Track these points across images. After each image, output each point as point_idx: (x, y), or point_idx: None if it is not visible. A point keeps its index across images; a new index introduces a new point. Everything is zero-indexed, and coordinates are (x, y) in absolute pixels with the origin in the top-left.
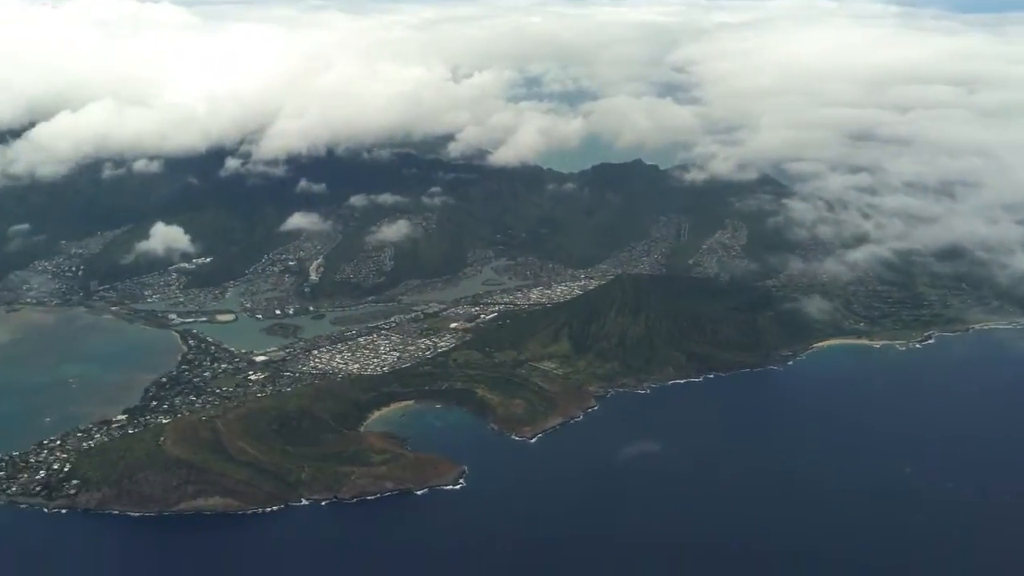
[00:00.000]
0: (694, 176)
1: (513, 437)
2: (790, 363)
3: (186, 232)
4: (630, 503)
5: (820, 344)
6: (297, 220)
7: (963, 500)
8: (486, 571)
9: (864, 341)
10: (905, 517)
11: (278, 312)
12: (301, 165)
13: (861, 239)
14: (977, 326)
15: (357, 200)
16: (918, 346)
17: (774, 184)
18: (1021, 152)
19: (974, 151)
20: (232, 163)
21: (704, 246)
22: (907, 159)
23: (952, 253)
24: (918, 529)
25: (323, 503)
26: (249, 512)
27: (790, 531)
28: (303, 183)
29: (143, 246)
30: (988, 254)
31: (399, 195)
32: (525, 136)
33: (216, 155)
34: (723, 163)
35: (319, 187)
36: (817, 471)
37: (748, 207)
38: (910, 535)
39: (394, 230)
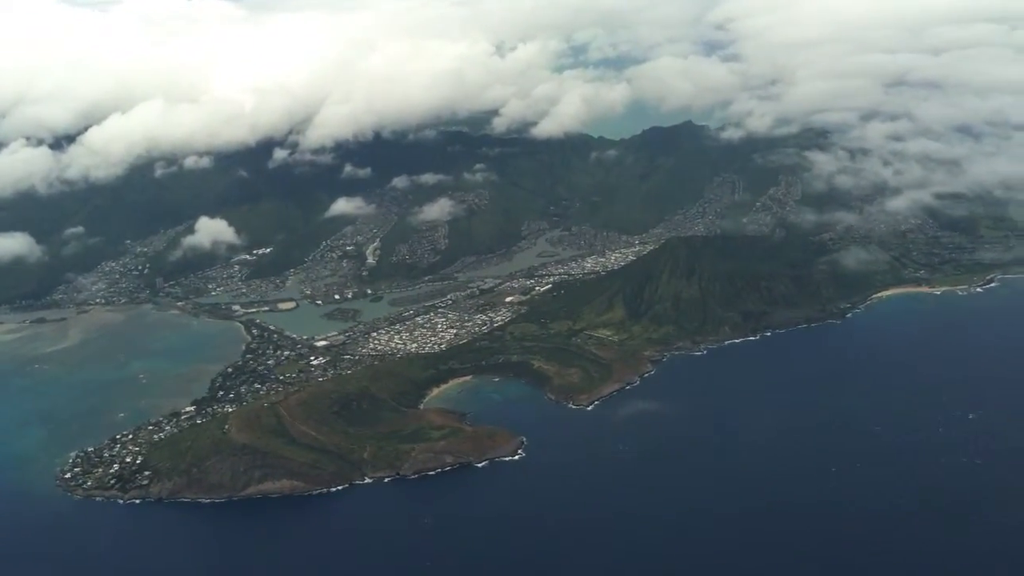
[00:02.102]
0: (730, 134)
1: (570, 406)
2: (848, 316)
3: (244, 224)
4: (685, 465)
5: (879, 295)
6: (341, 206)
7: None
8: (547, 538)
9: (924, 288)
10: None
11: (337, 297)
12: (349, 151)
13: (881, 187)
14: None
15: (399, 181)
16: (979, 290)
17: (817, 136)
18: None
19: (1008, 90)
20: (280, 154)
21: (758, 203)
22: (934, 103)
23: (968, 195)
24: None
25: (386, 480)
26: (315, 492)
27: (852, 485)
28: (348, 168)
29: (189, 241)
30: (1006, 193)
31: (441, 174)
32: (568, 106)
33: (265, 147)
34: (759, 119)
35: (364, 171)
36: (876, 422)
37: (788, 161)
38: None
39: (436, 209)
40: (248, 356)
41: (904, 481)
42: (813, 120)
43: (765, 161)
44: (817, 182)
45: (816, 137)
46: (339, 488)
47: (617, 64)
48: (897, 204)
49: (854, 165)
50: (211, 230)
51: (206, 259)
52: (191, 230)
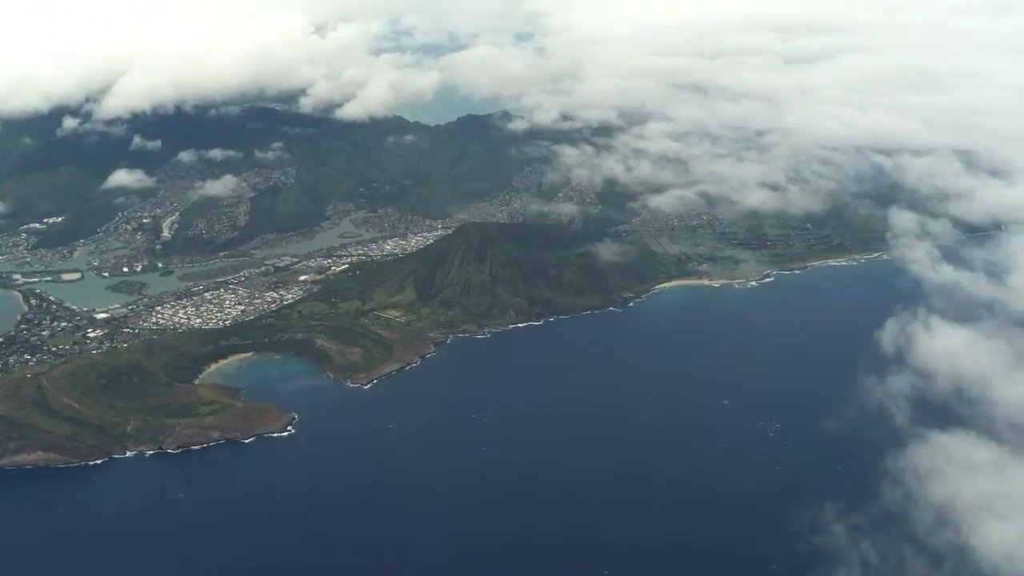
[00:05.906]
0: (515, 125)
1: (348, 384)
2: (630, 304)
3: (36, 192)
4: (449, 443)
5: (661, 286)
6: (120, 177)
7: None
8: (299, 513)
9: (704, 281)
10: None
11: (125, 270)
12: (145, 122)
13: (612, 182)
14: (816, 264)
15: (185, 156)
16: (755, 284)
17: (600, 133)
18: (802, 95)
19: (758, 96)
20: (71, 123)
21: (560, 194)
22: (692, 106)
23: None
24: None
25: (147, 454)
26: (72, 465)
27: (604, 464)
28: (137, 140)
29: None
30: (721, 191)
31: (232, 150)
32: (375, 90)
33: (57, 115)
34: (546, 113)
35: (154, 144)
36: (636, 406)
37: (538, 153)
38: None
39: (220, 185)
40: (22, 326)
41: (648, 460)
42: (592, 116)
43: (519, 152)
44: (555, 174)
45: (597, 134)
46: (97, 462)
47: (437, 51)
48: (661, 201)
49: (595, 161)
50: None
51: None
52: None
